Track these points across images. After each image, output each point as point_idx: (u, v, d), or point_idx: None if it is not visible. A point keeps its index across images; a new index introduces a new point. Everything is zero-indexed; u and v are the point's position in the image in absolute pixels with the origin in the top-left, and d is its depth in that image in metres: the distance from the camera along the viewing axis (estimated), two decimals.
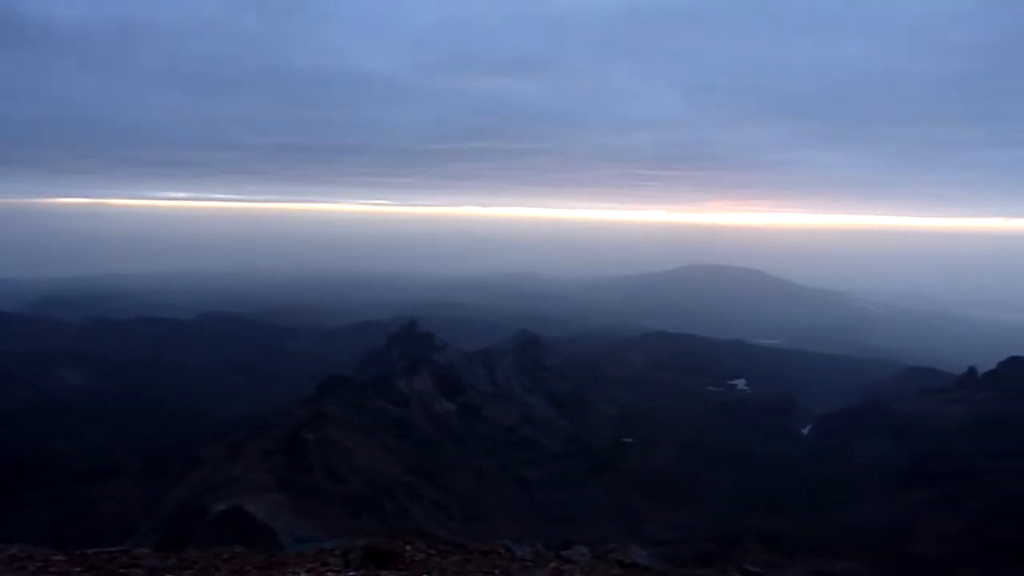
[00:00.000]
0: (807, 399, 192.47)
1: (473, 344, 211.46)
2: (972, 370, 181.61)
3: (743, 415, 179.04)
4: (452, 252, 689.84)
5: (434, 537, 43.15)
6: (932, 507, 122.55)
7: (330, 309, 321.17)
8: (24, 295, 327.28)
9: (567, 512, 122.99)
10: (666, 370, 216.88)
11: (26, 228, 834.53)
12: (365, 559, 13.87)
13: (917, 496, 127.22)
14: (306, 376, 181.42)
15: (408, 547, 14.89)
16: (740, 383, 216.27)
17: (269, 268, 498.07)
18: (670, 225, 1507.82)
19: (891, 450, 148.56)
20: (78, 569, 12.49)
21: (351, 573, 13.10)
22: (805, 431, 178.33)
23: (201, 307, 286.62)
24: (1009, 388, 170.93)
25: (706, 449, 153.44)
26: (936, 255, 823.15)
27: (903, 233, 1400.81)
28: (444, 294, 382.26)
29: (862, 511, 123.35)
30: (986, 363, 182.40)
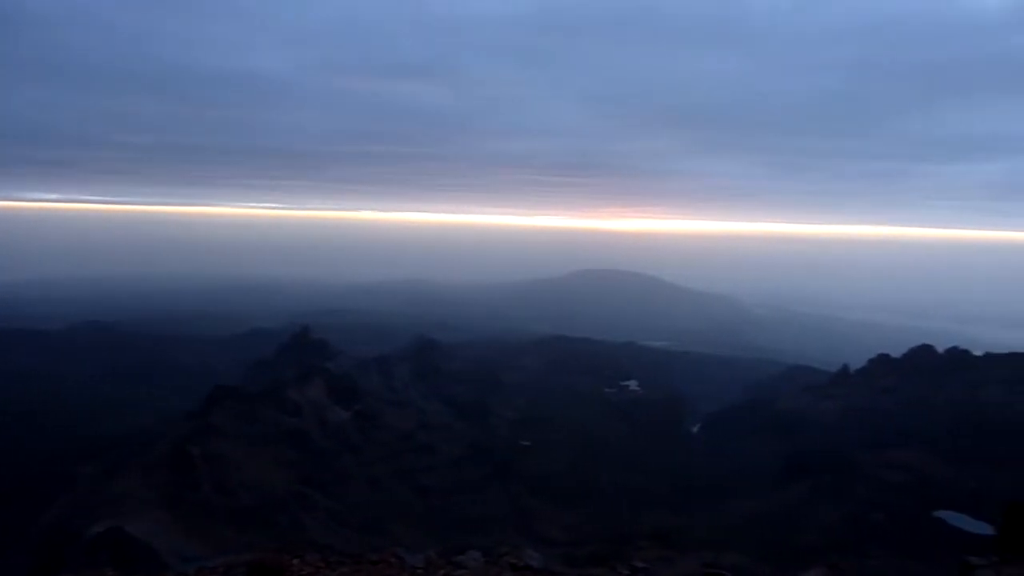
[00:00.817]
0: (696, 398, 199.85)
1: (368, 351, 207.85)
2: (845, 368, 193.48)
3: (636, 415, 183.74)
4: (346, 257, 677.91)
5: (328, 549, 41.69)
6: (813, 498, 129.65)
7: (216, 317, 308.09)
8: None
9: (466, 518, 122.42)
10: (562, 373, 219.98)
11: None
12: (250, 575, 13.00)
13: (799, 488, 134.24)
14: (191, 388, 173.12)
15: (296, 560, 14.08)
16: (632, 384, 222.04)
17: (148, 274, 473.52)
18: (565, 231, 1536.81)
19: (774, 445, 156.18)
20: None
21: None
22: (695, 429, 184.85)
23: (73, 317, 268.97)
24: (878, 384, 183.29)
25: (601, 450, 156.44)
26: (811, 259, 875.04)
27: (781, 238, 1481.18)
28: (338, 300, 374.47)
29: (749, 505, 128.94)
30: (858, 361, 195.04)
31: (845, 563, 16.98)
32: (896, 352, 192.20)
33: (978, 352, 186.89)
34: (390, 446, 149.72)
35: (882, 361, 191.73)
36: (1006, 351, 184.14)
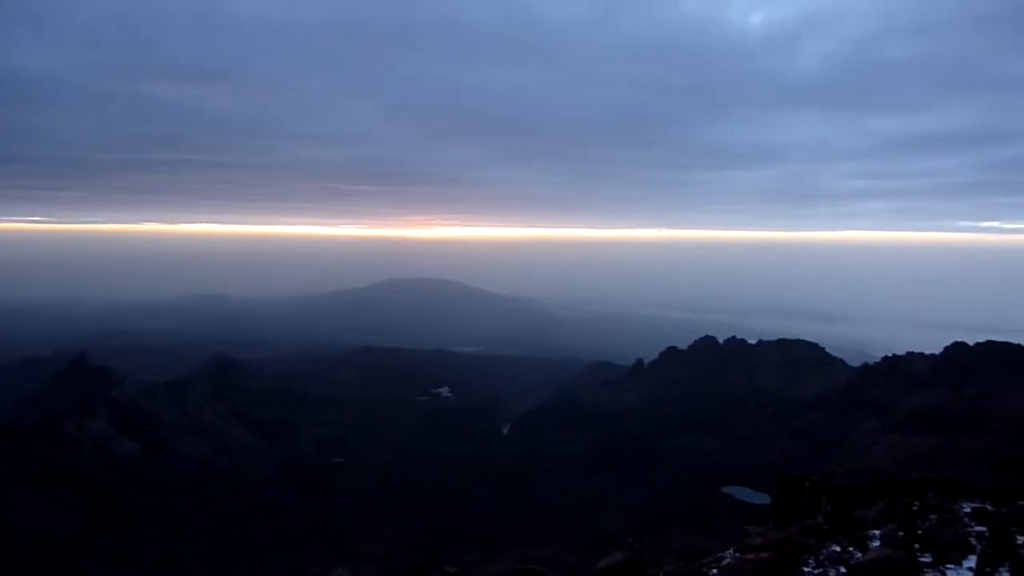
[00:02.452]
0: (507, 400, 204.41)
1: (160, 374, 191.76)
2: (640, 361, 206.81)
3: (449, 421, 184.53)
4: (130, 274, 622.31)
5: None
6: (618, 486, 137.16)
7: None
8: None
9: (275, 542, 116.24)
10: (374, 384, 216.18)
11: None
12: None
13: (604, 478, 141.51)
14: None
15: None
16: (445, 391, 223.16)
17: None
18: (369, 240, 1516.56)
19: (581, 439, 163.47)
20: None
21: None
22: (505, 431, 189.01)
23: None
24: (669, 375, 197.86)
25: (416, 459, 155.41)
26: (606, 262, 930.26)
27: (579, 243, 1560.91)
28: (122, 322, 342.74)
29: (560, 498, 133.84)
30: (651, 354, 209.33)
31: (645, 546, 17.56)
32: (683, 344, 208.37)
33: (753, 340, 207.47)
34: (187, 475, 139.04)
35: (671, 353, 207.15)
36: (776, 338, 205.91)
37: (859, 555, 14.84)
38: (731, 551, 14.75)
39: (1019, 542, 13.59)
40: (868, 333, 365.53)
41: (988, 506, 17.06)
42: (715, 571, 13.63)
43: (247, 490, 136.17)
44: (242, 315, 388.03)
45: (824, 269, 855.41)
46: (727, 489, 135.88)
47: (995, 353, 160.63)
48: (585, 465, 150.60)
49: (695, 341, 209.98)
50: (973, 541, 14.53)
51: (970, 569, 13.37)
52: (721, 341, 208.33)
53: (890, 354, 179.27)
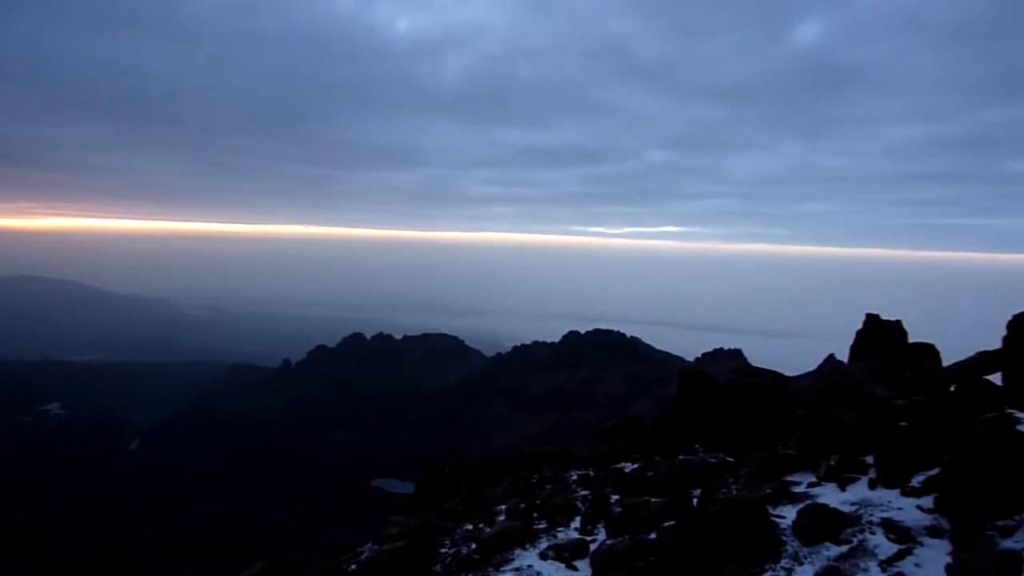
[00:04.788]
0: (133, 412, 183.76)
1: None
2: (287, 362, 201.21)
3: (61, 442, 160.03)
4: None
5: None
6: (263, 492, 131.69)
7: None
8: None
9: None
10: None
11: None
12: None
13: (248, 485, 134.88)
14: None
15: None
16: (54, 407, 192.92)
17: None
18: None
19: (221, 448, 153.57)
20: None
21: None
22: (133, 446, 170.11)
23: None
24: (317, 373, 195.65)
25: (22, 490, 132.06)
26: (248, 259, 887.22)
27: (217, 238, 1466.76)
28: None
29: (200, 512, 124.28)
30: (298, 354, 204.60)
31: (292, 550, 17.02)
32: (332, 342, 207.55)
33: (399, 335, 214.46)
34: None
35: (320, 352, 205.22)
36: (420, 332, 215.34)
37: (488, 530, 16.00)
38: (369, 544, 14.92)
39: (612, 500, 15.83)
40: (501, 325, 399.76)
41: (591, 472, 19.61)
42: (354, 566, 13.64)
43: None
44: None
45: (462, 267, 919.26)
46: (376, 482, 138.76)
47: (601, 339, 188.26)
48: (227, 475, 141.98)
49: (344, 339, 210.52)
50: (579, 504, 16.55)
51: (576, 529, 15.20)
52: (369, 337, 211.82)
53: (519, 344, 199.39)
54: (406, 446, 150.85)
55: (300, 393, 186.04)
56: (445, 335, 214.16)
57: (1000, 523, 9.91)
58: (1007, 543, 9.44)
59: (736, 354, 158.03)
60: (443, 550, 15.58)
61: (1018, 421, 12.42)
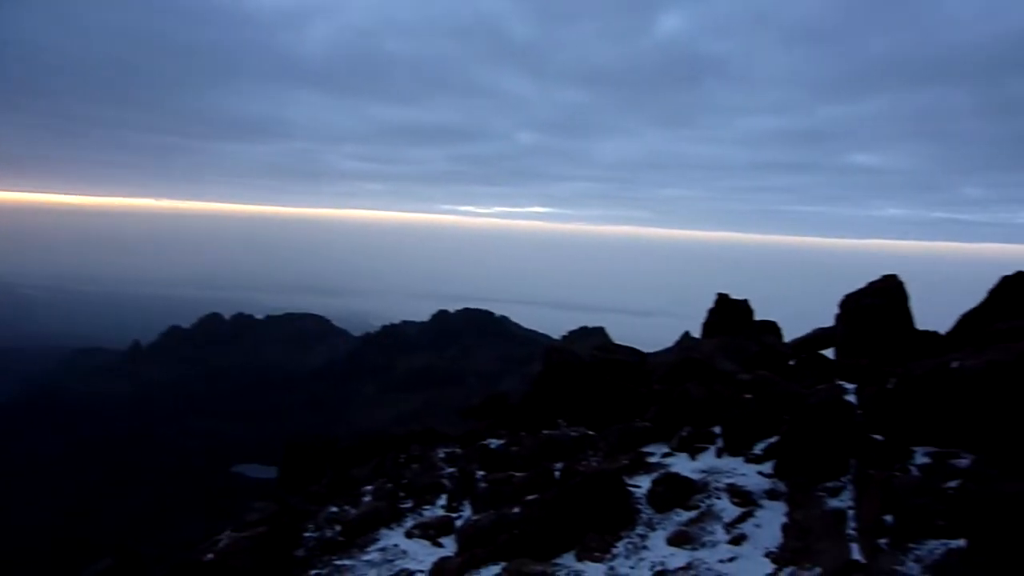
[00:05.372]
0: None
1: None
2: (137, 343, 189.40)
3: None
4: None
5: None
6: (113, 486, 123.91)
7: None
8: None
9: None
10: None
11: None
12: None
13: (98, 478, 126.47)
14: None
15: None
16: None
17: None
18: None
19: (63, 439, 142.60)
20: None
21: None
22: None
23: None
24: (172, 355, 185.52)
25: None
26: (92, 233, 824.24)
27: (55, 210, 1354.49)
28: None
29: (38, 515, 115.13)
30: (150, 335, 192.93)
31: (146, 546, 16.23)
32: (187, 323, 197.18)
33: (261, 316, 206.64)
34: None
35: (174, 333, 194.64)
36: (283, 312, 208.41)
37: (353, 511, 15.85)
38: (228, 531, 14.42)
39: (478, 477, 16.07)
40: (369, 305, 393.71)
41: (458, 449, 19.80)
42: (211, 555, 13.15)
43: None
44: None
45: (329, 245, 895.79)
46: (238, 468, 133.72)
47: (470, 318, 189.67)
48: (71, 470, 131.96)
49: (200, 319, 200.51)
50: (445, 482, 16.70)
51: (442, 507, 15.34)
52: (228, 317, 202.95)
53: (388, 323, 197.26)
54: (270, 431, 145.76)
55: (152, 378, 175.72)
56: (311, 315, 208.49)
57: (829, 484, 10.88)
58: (834, 502, 10.38)
59: (600, 332, 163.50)
60: (307, 534, 15.31)
61: (846, 392, 13.62)
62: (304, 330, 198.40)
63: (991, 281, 16.61)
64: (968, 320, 16.52)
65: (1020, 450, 8.85)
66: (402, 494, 16.52)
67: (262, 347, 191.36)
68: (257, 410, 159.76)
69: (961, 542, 7.25)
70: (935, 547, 7.59)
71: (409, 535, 13.97)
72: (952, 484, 8.51)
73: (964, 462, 9.53)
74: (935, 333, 17.59)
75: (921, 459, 10.11)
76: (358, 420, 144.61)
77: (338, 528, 15.00)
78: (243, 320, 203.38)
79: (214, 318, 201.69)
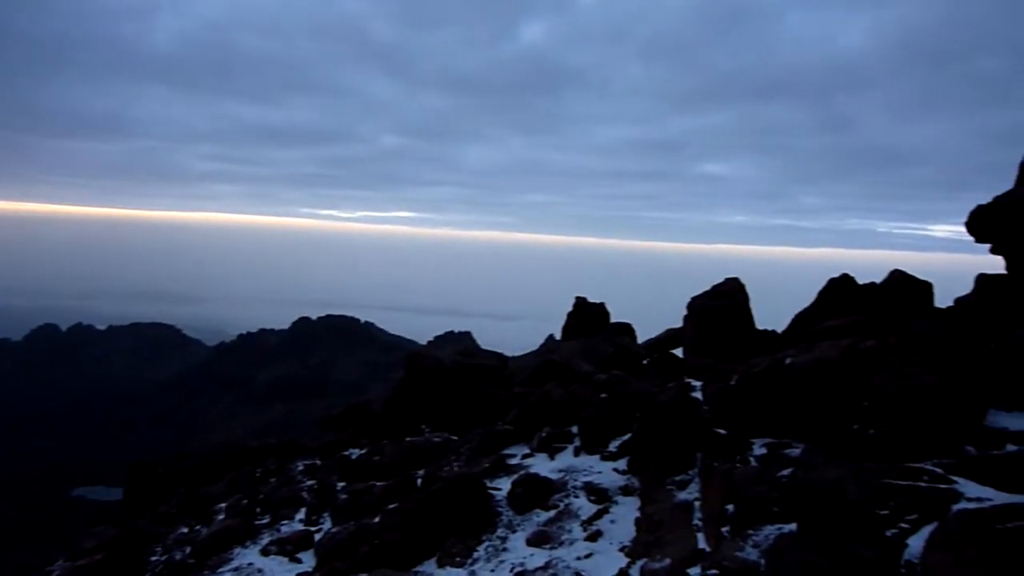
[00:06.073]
0: None
1: None
2: None
3: None
4: None
5: None
6: None
7: None
8: None
9: None
10: None
11: None
12: None
13: None
14: None
15: None
16: None
17: None
18: None
19: None
20: None
21: None
22: None
23: None
24: None
25: None
26: None
27: None
28: None
29: None
30: None
31: None
32: (17, 335, 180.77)
33: (102, 326, 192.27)
34: None
35: (1, 346, 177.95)
36: (129, 322, 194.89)
37: (205, 531, 15.08)
38: (60, 562, 13.32)
39: (339, 488, 15.71)
40: (225, 313, 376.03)
41: (317, 461, 19.28)
42: None
43: None
44: None
45: (180, 250, 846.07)
46: (78, 491, 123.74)
47: (333, 325, 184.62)
48: None
49: (32, 330, 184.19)
50: (304, 495, 16.21)
51: (301, 521, 14.87)
52: (65, 329, 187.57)
53: (245, 332, 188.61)
54: (114, 450, 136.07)
55: None
56: (159, 324, 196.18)
57: (677, 478, 11.45)
58: (682, 495, 10.93)
59: (466, 336, 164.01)
60: (153, 558, 14.43)
61: (693, 389, 14.40)
62: (152, 340, 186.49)
63: (823, 283, 18.09)
64: (801, 319, 17.87)
65: (844, 439, 9.67)
66: (258, 510, 15.90)
67: (105, 359, 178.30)
68: (99, 428, 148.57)
69: (792, 526, 7.82)
70: (771, 532, 8.15)
71: (265, 552, 13.44)
72: (785, 473, 9.17)
73: (796, 452, 10.30)
74: (773, 332, 18.91)
75: (759, 450, 10.83)
76: (213, 435, 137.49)
77: (188, 550, 14.24)
78: (82, 331, 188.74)
79: (48, 329, 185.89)
